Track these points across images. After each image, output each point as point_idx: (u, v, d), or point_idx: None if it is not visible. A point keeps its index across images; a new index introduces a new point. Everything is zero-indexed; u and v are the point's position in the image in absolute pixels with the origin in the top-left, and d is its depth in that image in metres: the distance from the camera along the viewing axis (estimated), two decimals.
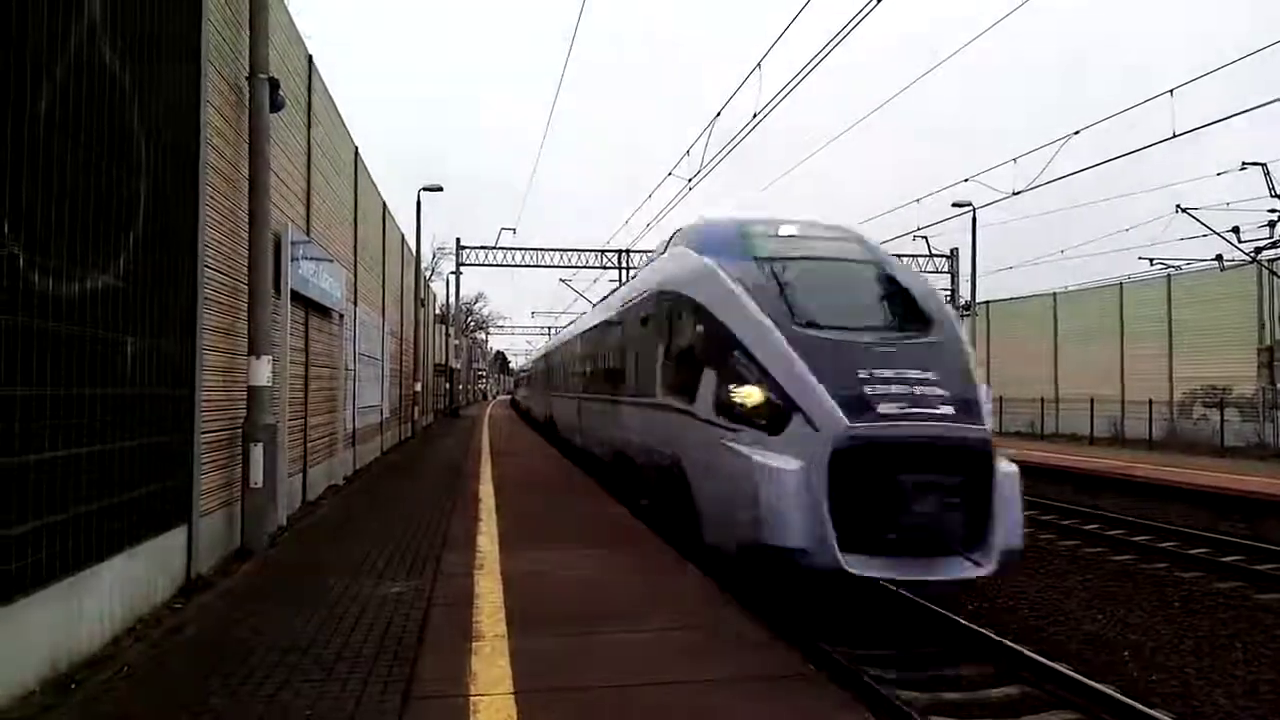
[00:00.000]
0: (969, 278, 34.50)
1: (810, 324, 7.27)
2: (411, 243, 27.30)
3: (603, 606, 5.83)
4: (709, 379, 7.80)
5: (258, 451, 7.83)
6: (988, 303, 37.66)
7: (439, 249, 50.36)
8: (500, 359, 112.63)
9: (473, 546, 7.96)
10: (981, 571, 6.42)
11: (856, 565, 6.19)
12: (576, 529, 9.00)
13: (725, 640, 5.06)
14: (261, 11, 8.21)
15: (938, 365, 7.04)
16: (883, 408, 6.56)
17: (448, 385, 43.25)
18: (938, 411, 6.66)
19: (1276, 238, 23.60)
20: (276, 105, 8.40)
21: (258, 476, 7.82)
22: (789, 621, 6.53)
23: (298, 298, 10.17)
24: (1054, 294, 35.37)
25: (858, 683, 5.74)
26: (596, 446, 14.91)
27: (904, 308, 7.93)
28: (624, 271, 39.07)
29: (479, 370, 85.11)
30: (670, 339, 9.39)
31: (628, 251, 39.33)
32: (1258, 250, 24.29)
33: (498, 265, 40.89)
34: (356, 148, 15.73)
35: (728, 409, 7.35)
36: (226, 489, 7.71)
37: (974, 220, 31.86)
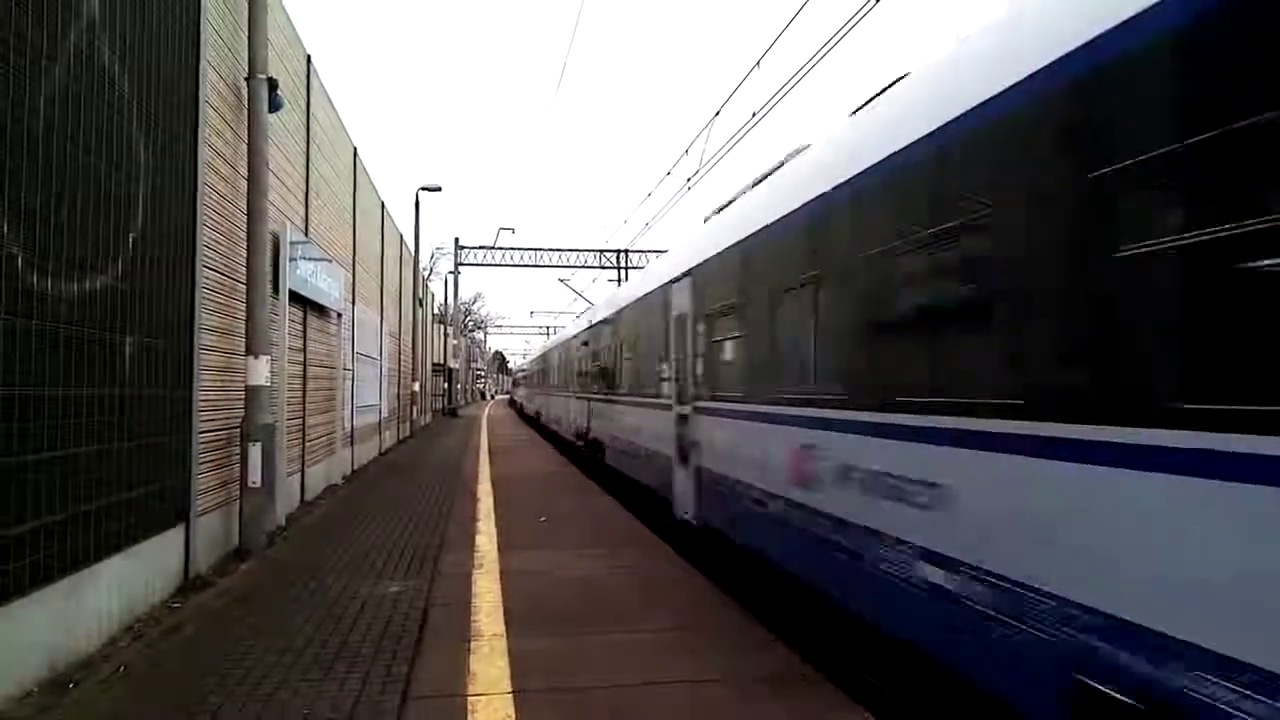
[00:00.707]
0: None
1: None
2: (410, 242, 27.32)
3: (602, 607, 5.83)
4: None
5: (256, 451, 7.83)
6: None
7: (437, 249, 50.46)
8: (499, 359, 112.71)
9: (471, 546, 7.96)
10: None
11: None
12: (576, 529, 8.99)
13: (724, 640, 5.06)
14: (260, 11, 8.21)
15: None
16: None
17: (446, 385, 43.24)
18: None
19: None
20: (275, 105, 8.41)
21: (256, 476, 7.82)
22: (788, 622, 6.52)
23: (296, 297, 10.16)
24: None
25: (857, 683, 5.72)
26: None
27: None
28: (623, 271, 39.11)
29: (478, 370, 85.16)
30: None
31: (627, 251, 39.35)
32: None
33: (496, 265, 40.95)
34: (355, 147, 15.73)
35: None
36: (225, 488, 7.70)
37: None
